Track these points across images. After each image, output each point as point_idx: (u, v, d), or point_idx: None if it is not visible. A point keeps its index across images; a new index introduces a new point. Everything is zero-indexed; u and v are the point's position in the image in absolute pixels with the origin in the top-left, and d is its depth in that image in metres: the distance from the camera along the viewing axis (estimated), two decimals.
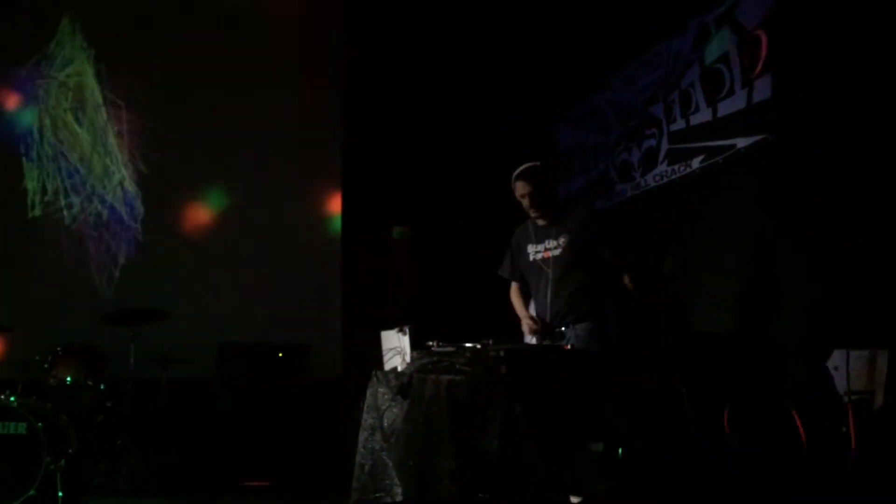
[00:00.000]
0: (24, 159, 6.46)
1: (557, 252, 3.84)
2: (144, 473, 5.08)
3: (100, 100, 6.60)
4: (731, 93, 4.60)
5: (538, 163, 3.90)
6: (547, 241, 3.89)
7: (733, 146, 4.55)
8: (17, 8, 6.57)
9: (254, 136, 6.53)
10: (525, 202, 3.88)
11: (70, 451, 4.69)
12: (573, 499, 3.30)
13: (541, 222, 3.93)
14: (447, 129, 6.69)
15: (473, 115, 6.69)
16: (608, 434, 3.11)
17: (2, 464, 4.40)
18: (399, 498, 3.27)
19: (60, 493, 4.49)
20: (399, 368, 3.60)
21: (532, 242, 3.97)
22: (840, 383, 3.47)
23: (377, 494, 3.41)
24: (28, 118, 6.52)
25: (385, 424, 3.45)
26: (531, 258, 3.96)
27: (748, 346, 4.04)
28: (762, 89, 4.33)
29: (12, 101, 6.55)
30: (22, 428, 4.46)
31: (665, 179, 5.20)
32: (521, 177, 3.84)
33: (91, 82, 6.58)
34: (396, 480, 3.34)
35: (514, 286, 4.15)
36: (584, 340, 3.66)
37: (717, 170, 4.73)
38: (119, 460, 5.04)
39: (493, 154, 6.36)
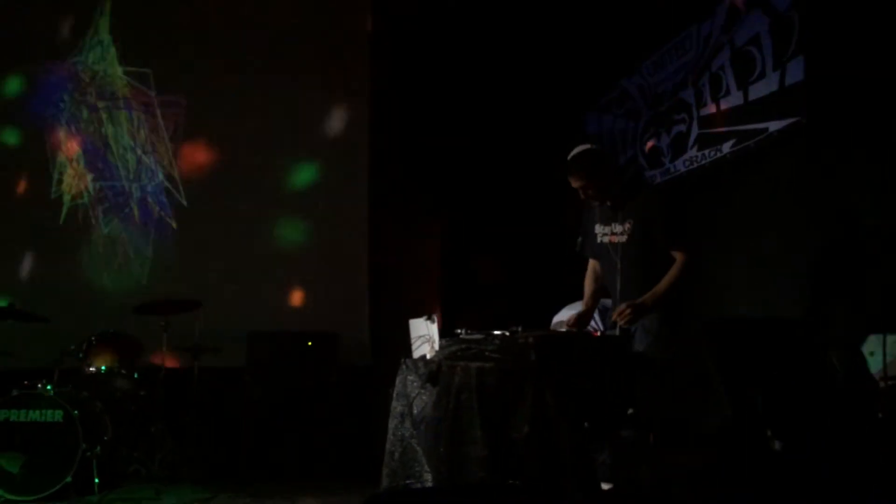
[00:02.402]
0: (58, 151, 6.56)
1: (623, 239, 3.62)
2: (178, 461, 5.15)
3: (130, 90, 6.66)
4: (762, 75, 4.52)
5: (587, 146, 3.69)
6: (613, 225, 3.68)
7: (765, 130, 4.47)
8: (50, 2, 6.67)
9: (282, 123, 6.52)
10: (581, 195, 3.74)
11: (105, 438, 4.79)
12: (604, 485, 3.28)
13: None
14: (475, 115, 6.62)
15: (502, 101, 6.61)
16: (640, 421, 3.08)
17: (39, 451, 4.50)
18: (429, 485, 3.29)
19: (97, 480, 4.58)
20: (428, 356, 3.59)
21: (598, 222, 3.78)
22: (876, 368, 3.41)
23: (407, 481, 3.43)
24: (62, 110, 6.60)
25: (415, 412, 3.46)
26: (598, 240, 3.78)
27: (782, 333, 3.98)
28: (794, 71, 4.25)
29: (46, 94, 6.64)
30: (58, 415, 4.56)
31: (695, 165, 5.13)
32: (567, 172, 3.67)
33: (121, 74, 6.64)
34: (426, 467, 3.36)
35: (591, 264, 3.97)
36: (654, 332, 3.47)
37: (748, 154, 4.65)
38: (153, 448, 5.09)
39: (522, 140, 6.32)
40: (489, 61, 6.53)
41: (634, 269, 3.59)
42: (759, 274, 4.66)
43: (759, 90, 4.55)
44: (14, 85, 6.71)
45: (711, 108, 4.97)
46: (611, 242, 3.68)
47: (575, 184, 3.66)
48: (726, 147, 4.82)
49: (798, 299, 4.38)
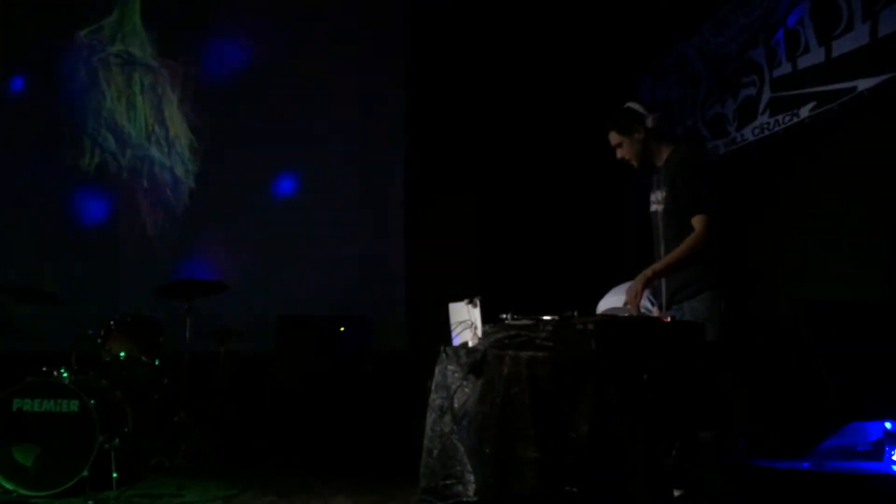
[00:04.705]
0: (78, 132, 6.36)
1: (661, 207, 3.31)
2: (203, 451, 4.88)
3: (156, 65, 6.41)
4: (849, 28, 4.01)
5: (629, 104, 3.42)
6: (657, 192, 3.37)
7: (853, 89, 3.96)
8: None
9: (315, 105, 6.30)
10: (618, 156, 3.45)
11: (125, 429, 4.52)
12: (675, 492, 2.86)
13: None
14: (517, 88, 6.22)
15: (546, 73, 6.19)
16: (723, 421, 2.65)
17: (54, 443, 4.23)
18: (472, 486, 2.95)
19: (115, 475, 4.30)
20: (470, 344, 3.23)
21: (651, 189, 3.47)
22: None
23: (447, 481, 3.11)
24: (81, 89, 6.36)
25: (455, 406, 3.12)
26: (651, 209, 3.46)
27: (877, 316, 3.49)
28: (890, 20, 3.74)
29: (65, 72, 6.41)
30: (74, 406, 4.28)
31: (766, 132, 4.64)
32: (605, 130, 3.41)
33: (146, 48, 6.42)
34: (469, 467, 3.04)
35: None
36: (704, 317, 3.11)
37: (831, 118, 4.15)
38: (177, 438, 4.85)
39: (567, 114, 5.90)
40: (532, 29, 6.11)
41: (673, 242, 3.23)
42: (839, 254, 4.16)
43: (844, 45, 4.04)
44: (34, 60, 6.48)
45: (787, 68, 4.46)
46: (656, 212, 3.39)
47: (612, 143, 3.43)
48: (804, 111, 4.32)
49: (882, 281, 3.88)
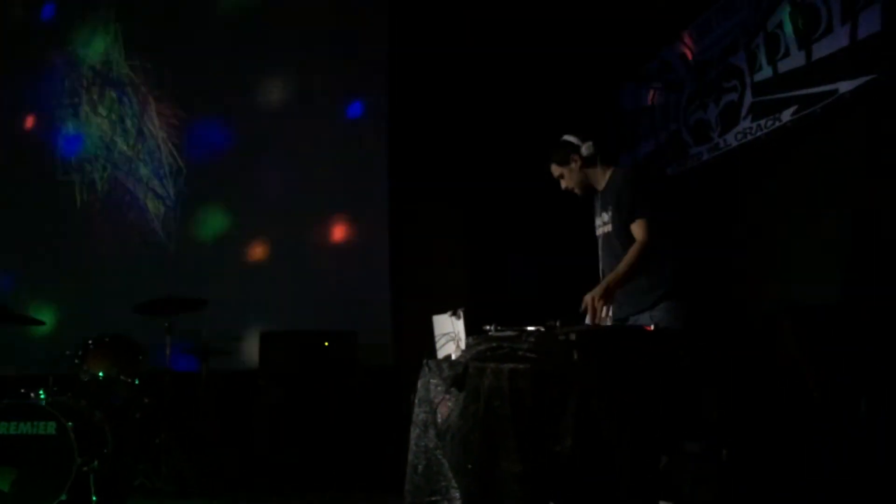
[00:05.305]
0: (55, 149, 6.29)
1: (609, 228, 3.42)
2: (187, 472, 4.79)
3: (133, 80, 6.35)
4: (829, 30, 3.97)
5: (562, 139, 3.55)
6: (603, 214, 3.50)
7: (834, 91, 3.92)
8: None
9: (298, 113, 6.24)
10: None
11: (105, 450, 4.43)
12: None
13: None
14: (498, 99, 6.17)
15: (528, 82, 6.14)
16: (708, 431, 2.59)
17: (31, 467, 4.15)
18: (457, 502, 2.87)
19: (94, 497, 4.22)
20: (453, 356, 3.18)
21: (597, 213, 3.60)
22: None
23: (433, 498, 3.04)
24: (64, 101, 6.29)
25: (439, 420, 3.06)
26: (596, 233, 3.60)
27: (860, 322, 3.43)
28: (869, 22, 3.69)
29: (49, 85, 6.35)
30: (51, 427, 4.20)
31: (749, 137, 4.59)
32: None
33: (123, 62, 6.35)
34: (454, 482, 2.96)
35: None
36: (664, 326, 3.12)
37: (813, 121, 4.10)
38: (159, 459, 4.76)
39: (550, 120, 5.83)
40: (513, 38, 6.07)
41: (619, 261, 3.30)
42: (824, 257, 4.11)
43: (824, 47, 3.99)
44: (18, 76, 6.44)
45: (768, 73, 4.43)
46: (603, 234, 3.51)
47: (554, 175, 3.59)
48: (786, 115, 4.27)
49: (869, 284, 3.83)
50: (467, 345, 3.09)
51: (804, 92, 4.15)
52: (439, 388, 3.04)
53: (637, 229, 3.23)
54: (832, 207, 4.05)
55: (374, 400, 5.39)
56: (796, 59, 4.22)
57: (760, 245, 4.61)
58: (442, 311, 3.47)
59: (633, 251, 3.19)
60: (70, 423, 4.17)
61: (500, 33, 6.06)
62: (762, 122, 4.49)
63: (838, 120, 3.99)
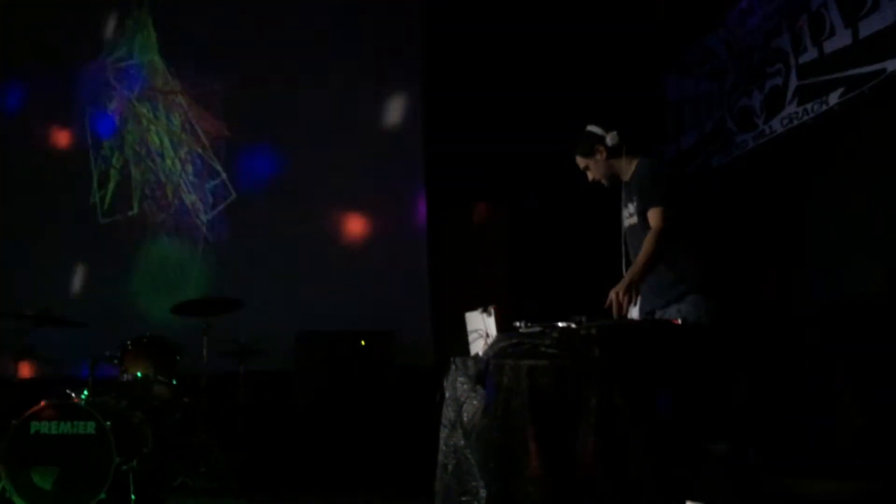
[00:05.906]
0: (93, 152, 6.41)
1: (635, 220, 3.32)
2: (224, 472, 4.79)
3: (175, 88, 6.45)
4: (875, 7, 3.76)
5: (587, 130, 3.47)
6: (629, 206, 3.40)
7: (882, 71, 3.71)
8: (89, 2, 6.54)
9: (334, 118, 6.19)
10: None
11: (145, 450, 4.46)
12: None
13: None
14: (538, 94, 6.02)
15: (568, 74, 5.98)
16: (735, 430, 2.45)
17: (72, 465, 4.20)
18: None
19: (133, 496, 4.25)
20: (480, 353, 3.09)
21: (623, 204, 3.51)
22: None
23: (463, 498, 2.95)
24: (101, 113, 6.44)
25: (465, 419, 2.97)
26: (624, 225, 3.50)
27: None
28: None
29: (84, 99, 6.50)
30: (91, 427, 4.25)
31: (795, 122, 4.38)
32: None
33: (164, 71, 6.45)
34: (482, 483, 2.86)
35: None
36: (690, 320, 3.02)
37: (862, 103, 3.89)
38: (197, 459, 4.77)
39: (591, 116, 5.68)
40: (552, 29, 5.92)
41: None
42: (875, 246, 3.88)
43: (871, 24, 3.79)
44: (53, 87, 6.59)
45: (813, 54, 4.21)
46: (630, 226, 3.43)
47: (580, 167, 3.53)
48: (833, 97, 4.06)
49: None
50: (492, 341, 3.00)
51: (852, 72, 3.94)
52: (465, 386, 2.97)
53: (652, 216, 3.13)
54: (884, 191, 3.82)
55: (411, 400, 5.32)
56: (842, 38, 4.02)
57: (813, 234, 4.38)
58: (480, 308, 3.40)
59: (648, 239, 3.08)
60: (108, 423, 4.22)
61: (538, 27, 5.94)
62: (809, 105, 4.29)
63: (888, 100, 3.76)
